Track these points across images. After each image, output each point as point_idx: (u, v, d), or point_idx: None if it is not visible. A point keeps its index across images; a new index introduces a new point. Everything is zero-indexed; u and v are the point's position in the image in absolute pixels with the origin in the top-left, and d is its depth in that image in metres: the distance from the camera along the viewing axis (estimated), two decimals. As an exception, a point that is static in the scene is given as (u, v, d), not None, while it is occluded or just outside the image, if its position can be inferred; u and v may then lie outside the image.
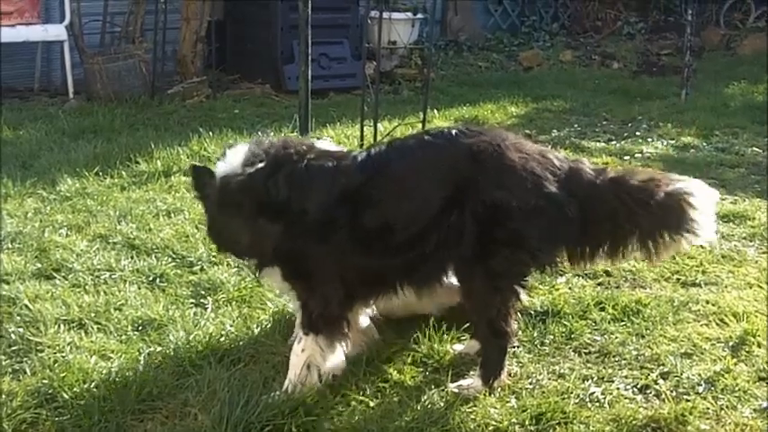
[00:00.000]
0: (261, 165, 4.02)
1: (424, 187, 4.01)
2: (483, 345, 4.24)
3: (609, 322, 4.79)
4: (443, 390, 4.11)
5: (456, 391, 4.09)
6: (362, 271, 4.09)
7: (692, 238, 4.08)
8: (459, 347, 4.48)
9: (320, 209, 3.97)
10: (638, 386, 4.21)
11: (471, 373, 4.24)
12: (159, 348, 4.40)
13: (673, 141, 8.82)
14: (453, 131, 4.09)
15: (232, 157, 4.12)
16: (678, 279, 5.40)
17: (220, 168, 4.11)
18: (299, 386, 4.01)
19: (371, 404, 4.00)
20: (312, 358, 4.05)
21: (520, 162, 3.97)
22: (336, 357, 4.12)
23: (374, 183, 4.00)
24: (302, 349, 4.06)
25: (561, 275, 5.35)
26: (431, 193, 3.99)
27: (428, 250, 4.02)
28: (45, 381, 4.08)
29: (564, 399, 4.04)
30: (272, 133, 8.14)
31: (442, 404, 3.99)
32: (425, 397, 4.04)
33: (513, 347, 4.49)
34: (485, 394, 4.05)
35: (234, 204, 4.06)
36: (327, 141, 4.60)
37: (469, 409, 3.96)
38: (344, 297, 4.11)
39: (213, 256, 5.43)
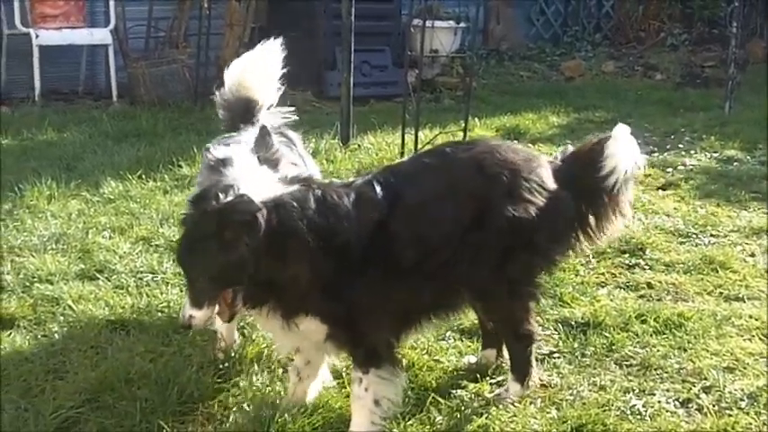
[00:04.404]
0: (317, 191, 3.69)
1: (449, 211, 3.88)
2: (510, 350, 4.22)
3: (651, 335, 4.75)
4: (482, 399, 4.11)
5: (496, 399, 4.08)
6: (404, 300, 3.88)
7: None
8: (472, 359, 4.46)
9: (365, 241, 3.71)
10: (680, 400, 4.18)
11: (506, 382, 4.21)
12: (201, 350, 4.42)
13: (716, 154, 8.72)
14: (448, 150, 4.08)
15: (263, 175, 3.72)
16: (721, 293, 5.35)
17: (259, 189, 3.60)
18: (376, 426, 3.81)
19: (410, 412, 3.98)
20: (378, 393, 3.79)
21: (525, 167, 3.98)
22: (399, 384, 3.89)
23: (401, 214, 3.80)
24: (365, 389, 3.78)
25: (603, 287, 5.34)
26: (454, 218, 3.88)
27: (455, 272, 3.90)
28: (87, 381, 4.12)
29: (605, 411, 4.02)
30: (313, 141, 8.27)
31: (482, 413, 3.97)
32: (465, 406, 4.04)
33: (554, 358, 4.48)
34: (524, 404, 4.04)
35: (290, 236, 3.58)
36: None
37: (509, 419, 3.95)
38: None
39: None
